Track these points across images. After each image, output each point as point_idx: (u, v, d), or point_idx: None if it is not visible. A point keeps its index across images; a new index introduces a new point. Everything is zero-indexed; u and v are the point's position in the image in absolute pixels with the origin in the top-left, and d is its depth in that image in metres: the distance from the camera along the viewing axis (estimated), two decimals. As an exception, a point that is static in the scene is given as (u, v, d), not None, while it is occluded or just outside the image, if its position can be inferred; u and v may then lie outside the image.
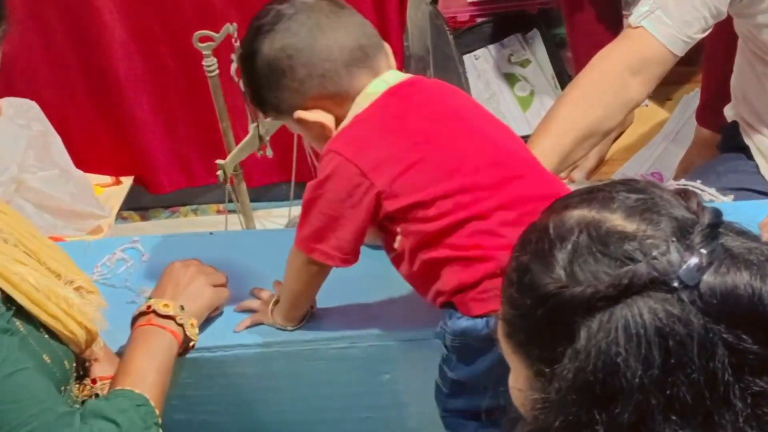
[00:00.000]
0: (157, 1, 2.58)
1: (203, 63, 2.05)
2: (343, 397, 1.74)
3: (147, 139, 2.77)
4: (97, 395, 1.50)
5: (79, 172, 2.63)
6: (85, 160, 2.70)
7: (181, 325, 1.55)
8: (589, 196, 0.95)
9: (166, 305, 1.55)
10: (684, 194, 0.94)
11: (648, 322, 0.84)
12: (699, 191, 1.98)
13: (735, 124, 2.17)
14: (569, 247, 0.90)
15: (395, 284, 1.68)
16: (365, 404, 1.75)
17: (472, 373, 1.51)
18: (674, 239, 0.87)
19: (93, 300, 1.49)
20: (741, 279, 0.86)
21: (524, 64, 3.01)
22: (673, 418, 0.85)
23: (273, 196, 2.70)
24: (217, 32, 2.03)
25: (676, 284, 0.84)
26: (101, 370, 1.54)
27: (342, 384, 1.72)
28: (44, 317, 1.36)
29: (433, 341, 1.63)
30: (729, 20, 1.92)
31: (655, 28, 1.85)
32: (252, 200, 2.34)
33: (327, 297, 1.70)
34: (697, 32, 1.87)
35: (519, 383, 0.98)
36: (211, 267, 1.69)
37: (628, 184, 0.95)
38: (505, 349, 0.98)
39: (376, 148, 1.45)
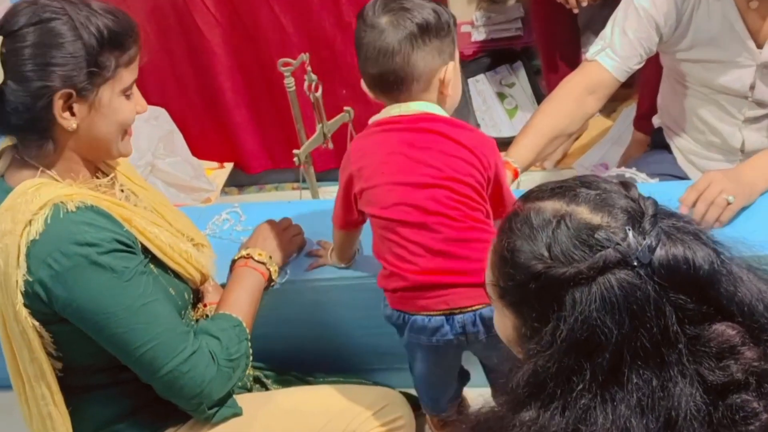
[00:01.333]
0: (250, 35, 2.55)
1: (284, 82, 2.03)
2: (362, 318, 1.73)
3: (242, 135, 2.75)
4: (206, 316, 1.50)
5: (195, 159, 2.64)
6: (199, 150, 2.70)
7: (269, 269, 1.55)
8: (558, 190, 0.92)
9: (260, 253, 1.55)
10: (625, 186, 0.91)
11: (617, 292, 0.83)
12: (634, 175, 1.97)
13: (660, 129, 2.13)
14: (550, 232, 0.87)
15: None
16: (376, 323, 1.71)
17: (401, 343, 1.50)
18: (629, 227, 0.85)
19: (206, 252, 1.50)
20: (678, 252, 0.84)
21: (511, 86, 2.97)
22: (638, 362, 0.84)
23: (333, 177, 2.64)
24: (295, 59, 2.01)
25: (635, 263, 0.83)
26: (211, 297, 1.55)
27: (363, 307, 1.67)
28: (172, 264, 1.37)
29: None
30: (657, 55, 1.89)
31: (606, 61, 1.82)
32: (318, 180, 2.31)
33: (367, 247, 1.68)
34: (635, 64, 1.85)
35: (508, 331, 0.95)
36: (290, 222, 1.69)
37: (585, 181, 0.92)
38: (497, 305, 0.95)
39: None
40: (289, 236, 1.65)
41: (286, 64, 2.00)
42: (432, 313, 1.37)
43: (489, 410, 0.94)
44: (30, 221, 1.21)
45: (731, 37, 1.78)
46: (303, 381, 1.67)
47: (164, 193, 2.41)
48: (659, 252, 0.84)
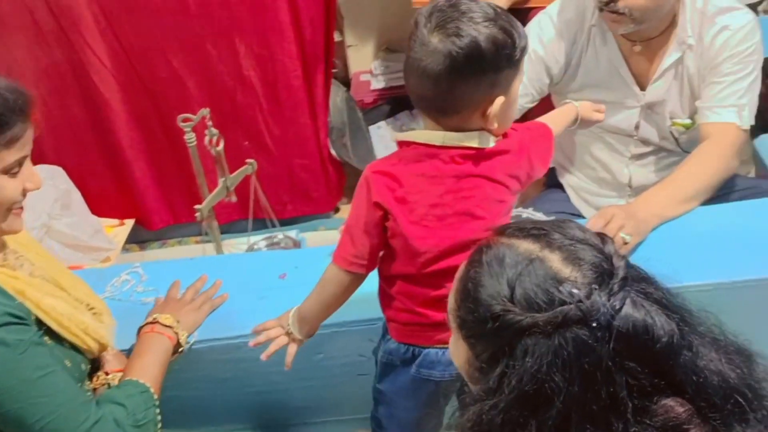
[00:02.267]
0: (149, 90, 2.53)
1: (185, 137, 2.03)
2: (293, 371, 1.66)
3: (143, 191, 2.71)
4: (109, 384, 1.45)
5: (94, 218, 2.58)
6: (98, 208, 2.64)
7: (176, 333, 1.52)
8: (534, 232, 0.89)
9: (167, 318, 1.52)
10: (602, 239, 0.89)
11: (571, 350, 0.81)
12: (531, 215, 2.01)
13: (553, 168, 2.18)
14: (517, 272, 0.85)
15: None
16: (307, 377, 1.71)
17: (392, 387, 1.44)
18: (596, 286, 0.83)
19: (105, 320, 1.46)
20: (638, 320, 0.82)
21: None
22: (586, 425, 0.81)
23: (238, 229, 2.65)
24: (195, 114, 2.02)
25: (594, 324, 0.81)
26: (111, 365, 1.50)
27: (298, 361, 1.61)
28: (68, 335, 1.33)
29: (351, 330, 1.60)
30: (549, 95, 1.96)
31: None
32: (222, 233, 2.32)
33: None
34: (527, 103, 1.89)
35: (461, 360, 0.93)
36: (194, 293, 1.65)
37: (563, 227, 0.89)
38: (455, 333, 0.93)
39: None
40: (196, 306, 1.62)
41: (186, 120, 2.01)
42: (446, 345, 1.32)
43: None
44: None
45: (617, 80, 1.86)
46: None
47: (61, 255, 2.36)
48: (621, 317, 0.82)
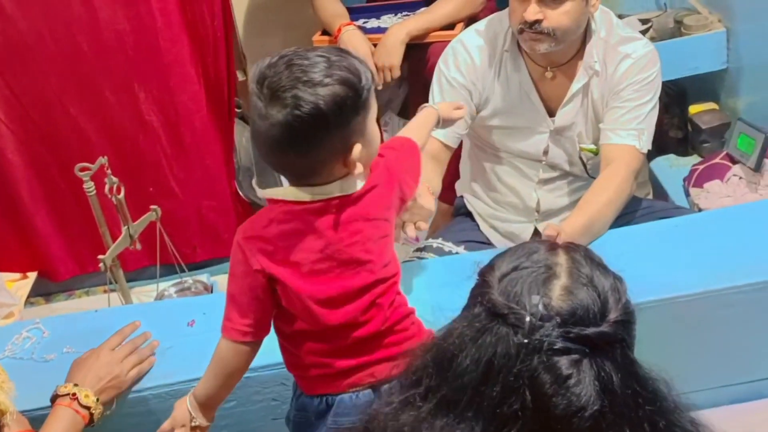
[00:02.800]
0: (47, 140, 2.48)
1: (83, 186, 1.99)
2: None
3: (46, 242, 2.63)
4: None
5: None
6: None
7: (92, 413, 1.44)
8: (577, 259, 0.90)
9: (87, 396, 1.45)
10: (620, 303, 0.88)
11: (493, 339, 0.84)
12: (441, 245, 2.02)
13: (462, 197, 2.21)
14: (526, 267, 0.87)
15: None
16: (221, 425, 1.58)
17: None
18: (559, 321, 0.83)
19: (4, 386, 1.35)
20: (561, 375, 0.82)
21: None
22: (474, 407, 0.84)
23: (147, 275, 2.59)
24: (93, 163, 1.99)
25: (525, 341, 0.82)
26: (12, 428, 1.44)
27: None
28: None
29: (262, 375, 1.56)
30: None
31: (437, 134, 1.82)
32: (128, 280, 2.26)
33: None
34: (463, 130, 1.91)
35: None
36: (120, 340, 1.59)
37: (596, 266, 0.90)
38: None
39: None
40: (118, 358, 1.54)
41: (83, 169, 1.98)
42: (358, 388, 1.29)
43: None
44: None
45: (527, 105, 1.91)
46: None
47: (-39, 314, 2.26)
48: (549, 360, 0.82)
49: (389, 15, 2.57)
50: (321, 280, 1.23)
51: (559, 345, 0.82)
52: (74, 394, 1.43)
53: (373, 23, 2.56)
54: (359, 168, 1.18)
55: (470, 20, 2.39)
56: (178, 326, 1.71)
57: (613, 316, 0.85)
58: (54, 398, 1.45)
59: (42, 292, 2.71)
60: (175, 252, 2.29)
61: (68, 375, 1.50)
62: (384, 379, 1.26)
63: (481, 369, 0.83)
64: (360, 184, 1.22)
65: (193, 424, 1.35)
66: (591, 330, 0.83)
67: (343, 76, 1.12)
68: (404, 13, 2.55)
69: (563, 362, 0.81)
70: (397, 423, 0.87)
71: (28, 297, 2.58)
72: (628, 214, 1.95)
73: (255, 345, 1.31)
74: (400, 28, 2.40)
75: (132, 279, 2.39)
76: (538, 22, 1.73)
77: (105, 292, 2.58)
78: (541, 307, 0.83)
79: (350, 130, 1.15)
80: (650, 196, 2.42)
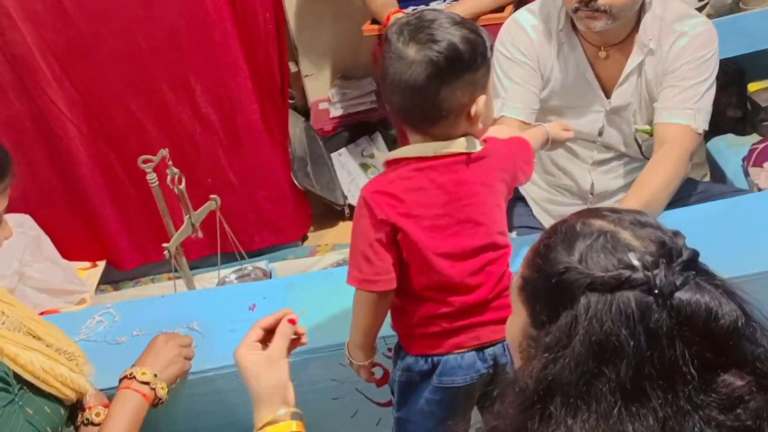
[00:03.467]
0: (110, 135, 2.55)
1: (146, 177, 2.03)
2: None
3: (112, 233, 2.73)
4: (89, 420, 1.45)
5: (65, 261, 2.59)
6: (69, 252, 2.65)
7: (153, 389, 1.49)
8: (608, 214, 0.92)
9: (144, 373, 1.49)
10: (675, 233, 0.91)
11: (634, 307, 0.83)
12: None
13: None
14: (589, 242, 0.88)
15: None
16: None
17: (413, 409, 1.40)
18: (664, 261, 0.85)
19: (84, 370, 1.44)
20: (702, 300, 0.83)
21: (372, 156, 3.03)
22: (659, 380, 0.83)
23: (209, 263, 2.65)
24: (155, 155, 2.02)
25: (656, 292, 0.83)
26: (92, 401, 1.49)
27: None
28: (45, 387, 1.33)
29: (321, 356, 1.58)
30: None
31: (511, 113, 1.83)
32: (191, 268, 2.29)
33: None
34: (537, 104, 1.87)
35: (515, 330, 0.94)
36: (182, 336, 1.63)
37: (632, 215, 0.92)
38: (514, 300, 0.95)
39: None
40: (184, 353, 1.59)
41: (146, 161, 2.01)
42: (463, 350, 1.32)
43: (497, 422, 0.90)
44: None
45: (583, 85, 1.88)
46: None
47: (36, 300, 2.37)
48: (684, 294, 0.84)
49: (438, 1, 2.57)
50: (440, 235, 1.27)
51: (679, 280, 0.84)
52: (131, 374, 1.49)
53: (422, 9, 2.56)
54: (479, 124, 1.24)
55: (519, 2, 2.38)
56: (239, 310, 1.74)
57: (677, 239, 0.89)
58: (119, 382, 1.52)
59: (110, 280, 2.82)
60: (235, 240, 2.34)
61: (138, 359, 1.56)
62: (487, 342, 1.31)
63: (643, 336, 0.83)
64: (480, 145, 1.27)
65: (351, 362, 1.45)
66: (686, 254, 0.87)
67: (473, 27, 1.22)
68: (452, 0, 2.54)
69: (689, 293, 0.84)
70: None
71: (98, 284, 2.69)
72: (684, 198, 1.92)
73: (384, 295, 1.33)
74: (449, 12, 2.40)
75: (194, 267, 2.44)
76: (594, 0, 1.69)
77: (169, 279, 2.67)
78: (636, 260, 0.85)
79: (477, 77, 1.21)
80: (707, 178, 2.39)
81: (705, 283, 0.86)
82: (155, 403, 1.50)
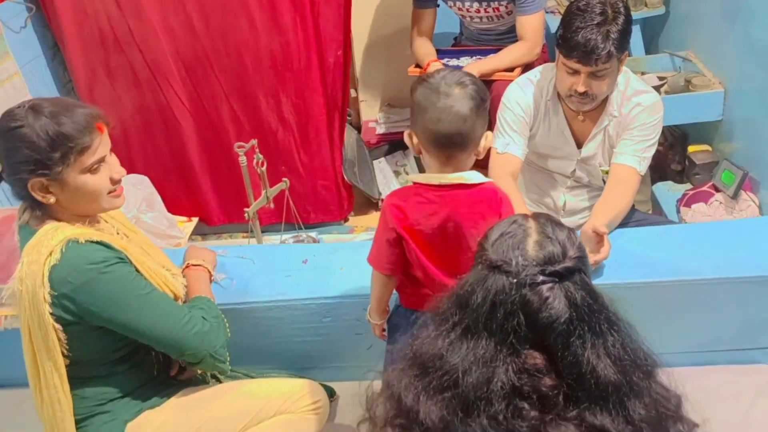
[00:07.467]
0: (214, 123, 2.55)
1: (239, 159, 2.09)
2: (309, 329, 1.74)
3: (206, 197, 2.74)
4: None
5: (170, 214, 2.61)
6: (173, 208, 2.67)
7: (206, 268, 1.60)
8: (543, 222, 0.92)
9: (194, 262, 1.61)
10: (574, 243, 0.90)
11: (497, 285, 0.85)
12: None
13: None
14: (507, 234, 0.90)
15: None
16: (319, 333, 1.75)
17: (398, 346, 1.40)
18: (538, 266, 0.85)
19: (178, 279, 1.51)
20: (543, 297, 0.84)
21: (403, 166, 3.03)
22: (485, 333, 0.86)
23: (274, 230, 2.64)
24: (246, 143, 2.08)
25: (515, 281, 0.85)
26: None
27: (297, 322, 1.71)
28: (153, 283, 1.37)
29: (349, 301, 1.64)
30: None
31: (515, 151, 1.84)
32: (261, 232, 2.33)
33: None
34: (527, 146, 1.87)
35: None
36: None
37: (558, 231, 0.90)
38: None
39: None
40: (208, 252, 1.71)
41: (240, 147, 2.07)
42: None
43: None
44: (51, 252, 1.23)
45: (562, 140, 1.91)
46: (248, 376, 1.67)
47: (146, 238, 2.42)
48: (535, 290, 0.84)
49: (467, 57, 2.58)
50: (435, 249, 1.28)
51: (539, 279, 0.85)
52: (187, 264, 1.61)
53: (453, 62, 2.56)
54: (481, 156, 1.24)
55: (526, 66, 2.39)
56: (295, 262, 1.80)
57: (571, 254, 0.88)
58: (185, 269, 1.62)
59: (200, 233, 2.83)
60: (296, 213, 2.39)
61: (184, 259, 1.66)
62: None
63: (488, 303, 0.86)
64: (478, 178, 1.26)
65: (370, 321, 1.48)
66: (558, 266, 0.87)
67: (477, 81, 1.24)
68: (477, 57, 2.55)
69: (543, 289, 0.85)
70: (435, 347, 0.90)
71: (191, 235, 2.70)
72: (633, 220, 1.95)
73: (391, 278, 1.37)
74: (472, 67, 2.40)
75: (264, 231, 2.45)
76: (586, 92, 1.72)
77: (244, 237, 2.72)
78: (521, 258, 0.87)
79: (485, 118, 1.23)
80: (650, 211, 2.40)
81: (563, 289, 0.85)
82: (211, 278, 1.61)
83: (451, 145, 1.22)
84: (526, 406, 0.84)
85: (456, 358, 0.87)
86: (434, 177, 1.26)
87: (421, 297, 1.31)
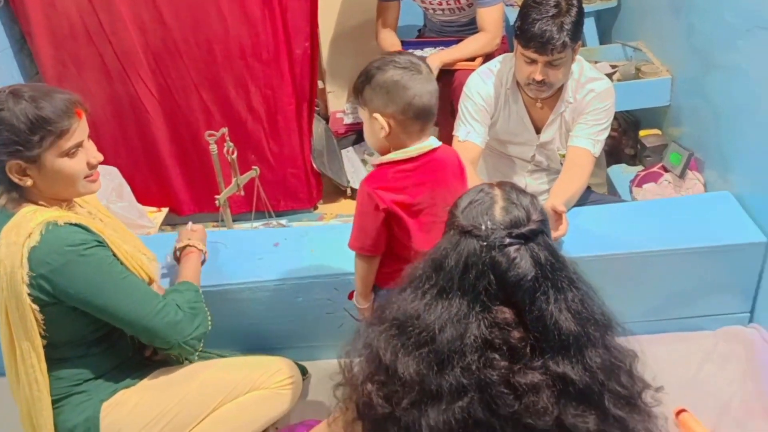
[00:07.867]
0: (184, 113, 2.53)
1: (209, 148, 2.09)
2: (279, 309, 1.75)
3: (175, 187, 2.72)
4: None
5: (139, 205, 2.59)
6: (142, 198, 2.65)
7: (196, 246, 1.62)
8: (508, 190, 0.95)
9: (189, 243, 1.64)
10: (537, 209, 0.93)
11: (469, 248, 0.89)
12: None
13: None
14: (476, 201, 0.93)
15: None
16: (290, 313, 1.76)
17: None
18: (505, 229, 0.89)
19: (153, 264, 1.52)
20: (510, 257, 0.87)
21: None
22: (459, 293, 0.88)
23: (244, 218, 2.64)
24: (217, 132, 2.09)
25: (484, 244, 0.88)
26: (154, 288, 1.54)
27: (271, 302, 1.73)
28: (129, 267, 1.37)
29: (321, 281, 1.66)
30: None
31: (476, 139, 1.88)
32: (233, 221, 2.34)
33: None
34: (487, 134, 1.91)
35: None
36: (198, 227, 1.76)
37: (521, 197, 0.94)
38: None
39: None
40: (198, 231, 1.73)
41: (210, 135, 2.08)
42: None
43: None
44: (30, 234, 1.23)
45: (521, 126, 1.96)
46: (220, 356, 1.66)
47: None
48: (503, 251, 0.87)
49: (430, 48, 2.62)
50: (422, 219, 1.32)
51: (507, 241, 0.89)
52: (184, 246, 1.63)
53: (418, 53, 2.59)
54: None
55: (487, 56, 2.44)
56: (267, 245, 1.83)
57: (534, 217, 0.92)
58: (176, 253, 1.65)
59: (170, 223, 2.80)
60: (267, 201, 2.39)
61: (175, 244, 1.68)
62: None
63: (461, 265, 0.90)
64: (436, 142, 1.32)
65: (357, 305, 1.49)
66: (524, 229, 0.91)
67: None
68: (440, 48, 2.59)
69: (510, 250, 0.89)
70: (412, 307, 0.94)
71: (161, 225, 2.68)
72: (589, 200, 2.01)
73: (376, 258, 1.40)
74: (435, 58, 2.44)
75: (234, 219, 2.44)
76: (544, 80, 1.77)
77: (214, 226, 2.66)
78: (489, 223, 0.91)
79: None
80: (606, 193, 2.46)
81: (527, 249, 0.89)
82: (203, 260, 1.65)
83: (431, 114, 1.28)
84: (496, 356, 0.88)
85: (432, 317, 0.90)
86: (412, 150, 1.29)
87: (400, 273, 1.34)
